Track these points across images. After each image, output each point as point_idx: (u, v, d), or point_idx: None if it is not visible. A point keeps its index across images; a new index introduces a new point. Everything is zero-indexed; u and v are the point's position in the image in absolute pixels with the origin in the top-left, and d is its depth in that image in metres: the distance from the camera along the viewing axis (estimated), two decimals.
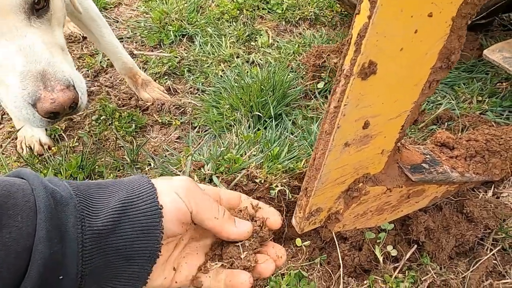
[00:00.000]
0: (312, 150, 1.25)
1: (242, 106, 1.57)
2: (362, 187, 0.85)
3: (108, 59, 1.95)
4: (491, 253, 1.06)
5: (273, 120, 1.53)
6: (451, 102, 1.57)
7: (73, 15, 1.42)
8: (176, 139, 1.62)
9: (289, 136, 1.41)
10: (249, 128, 1.49)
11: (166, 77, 1.94)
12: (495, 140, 1.13)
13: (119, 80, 1.92)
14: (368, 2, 0.53)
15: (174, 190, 0.56)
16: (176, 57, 2.02)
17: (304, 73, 1.83)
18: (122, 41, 2.16)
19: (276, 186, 1.05)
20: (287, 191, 1.05)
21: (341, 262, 1.03)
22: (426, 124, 1.48)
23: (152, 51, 2.12)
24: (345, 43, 0.60)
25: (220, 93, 1.74)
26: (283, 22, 2.32)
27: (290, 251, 1.07)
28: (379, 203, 0.94)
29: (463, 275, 1.02)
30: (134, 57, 2.05)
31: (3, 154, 1.53)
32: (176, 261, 0.62)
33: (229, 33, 2.19)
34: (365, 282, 1.03)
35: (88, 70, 1.96)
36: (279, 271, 1.01)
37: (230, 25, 2.27)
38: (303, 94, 1.76)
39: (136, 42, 2.18)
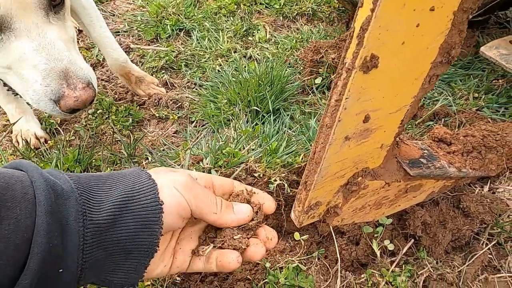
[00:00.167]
0: (311, 145, 1.25)
1: (240, 100, 1.57)
2: (361, 181, 0.85)
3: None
4: (487, 247, 1.07)
5: (271, 115, 1.53)
6: (447, 99, 1.58)
7: None
8: (174, 133, 1.61)
9: (287, 131, 1.41)
10: (247, 123, 1.49)
11: (163, 72, 1.93)
12: (491, 136, 1.14)
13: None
14: None
15: (174, 186, 0.57)
16: (173, 52, 2.01)
17: (301, 68, 1.83)
18: (119, 35, 2.15)
19: (275, 180, 1.05)
20: (286, 185, 1.05)
21: (338, 256, 1.04)
22: (423, 120, 1.48)
23: (149, 45, 2.10)
24: (347, 37, 0.60)
25: (218, 87, 1.73)
26: (281, 17, 2.32)
27: (288, 245, 1.07)
28: (378, 197, 0.94)
29: (459, 269, 1.04)
30: (130, 51, 2.04)
31: None
32: (173, 248, 0.63)
33: (227, 28, 2.18)
34: (362, 276, 1.03)
35: None
36: (277, 265, 1.02)
37: (228, 20, 2.26)
38: (300, 89, 1.76)
39: (132, 36, 2.17)
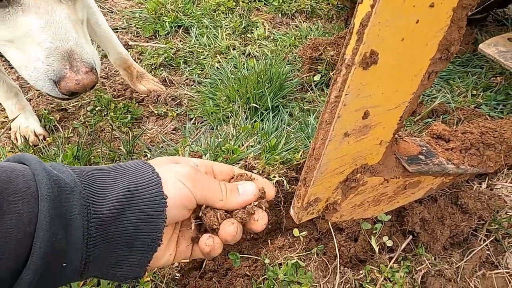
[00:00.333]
0: (310, 142, 1.25)
1: (239, 97, 1.57)
2: (360, 177, 0.86)
3: (103, 50, 1.93)
4: (485, 243, 1.08)
5: (270, 112, 1.54)
6: (446, 96, 1.59)
7: None
8: (172, 130, 1.61)
9: (286, 128, 1.41)
10: (246, 120, 1.49)
11: (161, 69, 1.93)
12: (489, 133, 1.15)
13: (114, 71, 1.91)
14: None
15: (178, 178, 0.57)
16: (172, 49, 2.01)
17: (300, 65, 1.83)
18: (117, 32, 2.14)
19: (274, 176, 1.05)
20: (285, 181, 1.06)
21: (337, 252, 1.04)
22: (422, 117, 1.49)
23: (147, 42, 2.10)
24: (347, 33, 0.60)
25: (217, 84, 1.73)
26: (279, 15, 2.32)
27: (287, 241, 1.07)
28: (376, 194, 0.95)
29: (457, 265, 1.04)
30: (129, 48, 2.04)
31: None
32: (177, 237, 0.64)
33: (225, 25, 2.18)
34: (361, 272, 1.04)
35: None
36: (277, 261, 1.02)
37: (226, 17, 2.25)
38: (299, 86, 1.76)
39: (131, 33, 2.16)
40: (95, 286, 0.91)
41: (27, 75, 0.95)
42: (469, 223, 1.07)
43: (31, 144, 1.47)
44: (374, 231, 1.05)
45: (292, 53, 1.95)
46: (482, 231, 1.10)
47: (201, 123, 1.62)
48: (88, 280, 0.91)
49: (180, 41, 2.10)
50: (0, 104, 1.69)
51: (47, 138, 1.53)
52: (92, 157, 1.40)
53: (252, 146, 1.18)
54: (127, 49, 2.01)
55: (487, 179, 1.21)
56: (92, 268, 0.50)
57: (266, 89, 1.58)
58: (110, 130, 1.56)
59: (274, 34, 2.14)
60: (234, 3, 2.34)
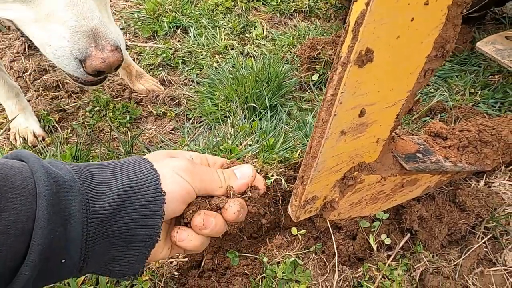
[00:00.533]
0: (308, 140, 1.26)
1: (237, 97, 1.58)
2: (357, 175, 0.86)
3: None
4: (482, 241, 1.08)
5: (268, 111, 1.54)
6: (444, 94, 1.59)
7: None
8: (171, 130, 1.62)
9: (284, 127, 1.41)
10: (244, 119, 1.49)
11: (160, 69, 1.93)
12: (487, 131, 1.15)
13: None
14: None
15: (177, 172, 0.57)
16: (170, 49, 2.01)
17: (298, 65, 1.84)
18: None
19: (272, 175, 1.05)
20: (283, 180, 1.06)
21: (336, 250, 1.04)
22: (420, 115, 1.49)
23: (146, 42, 2.10)
24: (343, 31, 0.61)
25: (215, 84, 1.74)
26: (278, 14, 2.32)
27: (285, 240, 1.08)
28: (374, 192, 0.95)
29: (455, 263, 1.04)
30: (128, 49, 2.04)
31: None
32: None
33: (224, 25, 2.18)
34: (359, 270, 1.04)
35: None
36: (275, 260, 1.02)
37: (225, 17, 2.26)
38: (298, 85, 1.76)
39: (129, 34, 2.17)
40: (94, 285, 0.91)
41: (51, 53, 0.95)
42: (467, 220, 1.08)
43: (30, 145, 1.47)
44: (372, 229, 1.05)
45: (291, 52, 1.96)
46: (480, 228, 1.10)
47: (199, 123, 1.62)
48: (87, 279, 0.91)
49: (179, 41, 2.11)
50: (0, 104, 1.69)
51: (46, 139, 1.53)
52: (91, 158, 1.40)
53: (250, 145, 1.18)
54: (126, 49, 2.02)
55: (484, 176, 1.21)
56: (91, 264, 0.50)
57: (265, 88, 1.58)
58: (109, 130, 1.56)
59: (272, 33, 2.14)
60: (232, 3, 2.34)
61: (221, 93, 1.65)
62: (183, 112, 1.69)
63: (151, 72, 1.90)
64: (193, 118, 1.64)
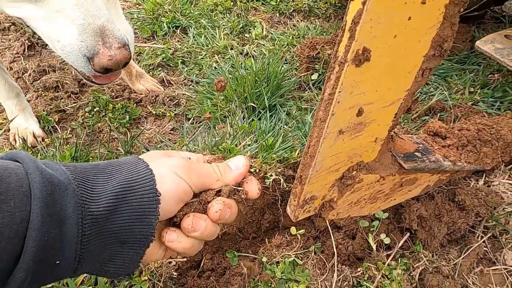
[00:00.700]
0: (307, 140, 1.25)
1: (237, 97, 1.58)
2: (355, 175, 0.86)
3: None
4: (482, 240, 1.08)
5: (268, 111, 1.54)
6: (443, 93, 1.59)
7: None
8: (171, 130, 1.62)
9: (283, 127, 1.41)
10: (243, 119, 1.49)
11: (159, 69, 1.93)
12: (486, 130, 1.15)
13: None
14: None
15: (173, 171, 0.57)
16: (170, 49, 2.01)
17: (298, 64, 1.84)
18: None
19: (271, 175, 1.05)
20: (282, 180, 1.06)
21: (335, 250, 1.04)
22: (419, 114, 1.49)
23: (145, 42, 2.10)
24: (340, 30, 0.60)
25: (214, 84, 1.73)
26: (277, 14, 2.32)
27: (284, 240, 1.08)
28: (373, 191, 0.95)
29: (454, 262, 1.04)
30: None
31: None
32: None
33: (223, 25, 2.18)
34: (358, 269, 1.04)
35: None
36: (274, 259, 1.02)
37: (224, 17, 2.26)
38: (297, 85, 1.76)
39: None
40: (93, 285, 0.91)
41: (59, 48, 0.97)
42: (466, 220, 1.07)
43: (29, 146, 1.47)
44: (371, 229, 1.05)
45: (290, 52, 1.96)
46: (479, 227, 1.10)
47: (199, 123, 1.62)
48: (86, 279, 0.92)
49: (178, 41, 2.11)
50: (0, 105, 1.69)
51: (46, 140, 1.53)
52: (91, 158, 1.40)
53: (249, 145, 1.18)
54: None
55: (484, 176, 1.21)
56: (86, 265, 0.50)
57: (264, 88, 1.58)
58: (109, 130, 1.57)
59: (271, 33, 2.14)
60: (232, 3, 2.34)
61: (220, 93, 1.65)
62: (183, 112, 1.69)
63: (150, 72, 1.90)
64: (192, 118, 1.64)
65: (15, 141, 1.52)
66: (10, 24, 2.11)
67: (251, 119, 1.51)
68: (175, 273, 0.97)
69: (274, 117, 1.52)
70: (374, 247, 1.03)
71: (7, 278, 0.43)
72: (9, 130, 1.57)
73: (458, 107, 1.49)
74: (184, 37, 2.13)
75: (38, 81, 1.79)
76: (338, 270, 1.03)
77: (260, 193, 0.70)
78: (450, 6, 0.63)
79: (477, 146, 1.12)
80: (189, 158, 0.66)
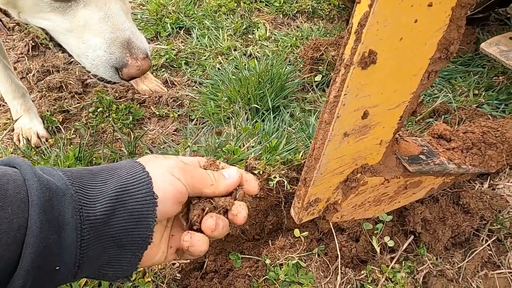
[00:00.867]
0: (311, 142, 1.25)
1: (240, 98, 1.57)
2: (360, 177, 0.85)
3: None
4: (486, 243, 1.07)
5: (271, 113, 1.54)
6: (447, 95, 1.58)
7: None
8: (174, 131, 1.62)
9: (287, 129, 1.41)
10: (247, 120, 1.49)
11: (163, 70, 1.93)
12: (491, 133, 1.14)
13: None
14: None
15: (169, 171, 0.57)
16: (173, 50, 2.01)
17: (301, 66, 1.83)
18: None
19: (275, 177, 1.05)
20: (286, 182, 1.06)
21: (338, 252, 1.04)
22: (423, 117, 1.48)
23: (149, 43, 2.10)
24: (346, 33, 0.60)
25: (218, 85, 1.74)
26: (281, 15, 2.32)
27: (288, 242, 1.07)
28: (377, 194, 0.95)
29: (458, 265, 1.04)
30: None
31: None
32: (168, 236, 0.64)
33: (227, 26, 2.18)
34: (362, 272, 1.04)
35: None
36: (277, 262, 1.02)
37: (228, 18, 2.26)
38: (300, 87, 1.76)
39: None
40: (96, 286, 0.91)
41: (88, 63, 1.03)
42: (470, 223, 1.07)
43: (33, 146, 1.48)
44: (375, 231, 1.05)
45: (293, 53, 1.95)
46: (484, 231, 1.09)
47: (202, 124, 1.62)
48: (90, 281, 0.91)
49: (182, 42, 2.11)
50: (3, 105, 1.70)
51: (49, 140, 1.53)
52: (94, 158, 1.40)
53: (252, 146, 1.18)
54: None
55: (489, 178, 1.20)
56: (85, 269, 0.50)
57: (267, 89, 1.58)
58: (112, 131, 1.57)
59: (275, 34, 2.14)
60: (235, 4, 2.34)
61: (223, 94, 1.65)
62: (186, 113, 1.69)
63: (154, 73, 1.90)
64: (195, 119, 1.64)
65: (19, 141, 1.52)
66: (14, 24, 2.12)
67: (254, 120, 1.51)
68: (178, 275, 0.97)
69: (278, 119, 1.52)
70: (378, 249, 1.03)
71: (6, 285, 0.43)
72: (13, 130, 1.57)
73: (463, 110, 1.49)
74: (187, 38, 2.13)
75: (42, 81, 1.80)
76: (341, 272, 1.03)
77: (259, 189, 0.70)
78: (456, 9, 0.62)
79: (482, 149, 1.11)
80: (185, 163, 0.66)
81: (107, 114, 1.66)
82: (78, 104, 1.71)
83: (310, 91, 1.73)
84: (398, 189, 0.97)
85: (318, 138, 0.73)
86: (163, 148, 1.46)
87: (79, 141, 1.52)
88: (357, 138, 0.75)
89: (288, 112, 1.57)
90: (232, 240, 1.11)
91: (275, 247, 1.06)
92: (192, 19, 2.21)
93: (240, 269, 1.02)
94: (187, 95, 1.77)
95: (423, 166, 0.95)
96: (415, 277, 1.02)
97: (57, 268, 0.47)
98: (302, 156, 1.13)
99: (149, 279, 0.93)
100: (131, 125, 1.62)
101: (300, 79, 1.76)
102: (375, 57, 0.60)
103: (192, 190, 0.60)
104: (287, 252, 1.05)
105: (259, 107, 1.55)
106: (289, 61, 1.90)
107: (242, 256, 1.05)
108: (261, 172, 1.07)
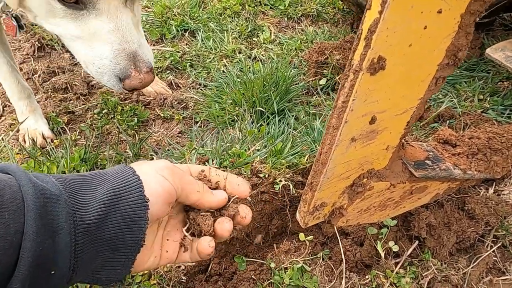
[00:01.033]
0: (316, 146, 1.25)
1: (245, 101, 1.58)
2: (366, 182, 0.86)
3: None
4: (492, 249, 1.07)
5: (276, 116, 1.54)
6: (452, 101, 1.58)
7: None
8: (178, 133, 1.62)
9: (292, 132, 1.41)
10: (252, 124, 1.49)
11: (168, 72, 1.94)
12: (497, 138, 1.14)
13: None
14: None
15: (160, 173, 0.59)
16: (178, 52, 2.02)
17: (306, 69, 1.84)
18: None
19: (280, 181, 1.05)
20: (291, 186, 1.06)
21: (343, 257, 1.04)
22: (428, 122, 1.48)
23: (154, 45, 2.11)
24: (355, 38, 0.61)
25: (223, 88, 1.74)
26: (285, 18, 2.33)
27: (293, 246, 1.07)
28: (383, 198, 0.95)
29: (463, 271, 1.04)
30: None
31: (4, 146, 1.53)
32: (161, 240, 0.66)
33: (231, 29, 2.19)
34: (366, 277, 1.03)
35: None
36: (282, 265, 1.02)
37: (232, 21, 2.27)
38: (305, 90, 1.76)
39: None
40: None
41: (94, 70, 1.05)
42: (475, 228, 1.07)
43: (38, 147, 1.48)
44: (380, 236, 1.04)
45: (298, 57, 1.96)
46: (489, 237, 1.09)
47: (206, 127, 1.62)
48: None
49: (187, 44, 2.12)
50: (9, 106, 1.71)
51: (55, 141, 1.54)
52: (99, 160, 1.41)
53: (258, 150, 1.19)
54: None
55: (494, 184, 1.20)
56: (79, 274, 0.51)
57: (272, 92, 1.58)
58: (117, 132, 1.57)
59: (280, 38, 2.15)
60: (240, 7, 2.35)
61: (228, 97, 1.65)
62: (191, 115, 1.69)
63: (159, 75, 1.90)
64: (200, 121, 1.65)
65: (25, 141, 1.53)
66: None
67: (259, 123, 1.51)
68: (183, 277, 0.98)
69: (283, 122, 1.52)
70: (382, 254, 1.03)
71: None
72: (18, 131, 1.58)
73: (467, 115, 1.49)
74: (192, 40, 2.14)
75: (48, 82, 1.81)
76: (346, 277, 1.03)
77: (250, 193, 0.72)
78: (466, 16, 0.63)
79: (487, 155, 1.11)
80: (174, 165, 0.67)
81: (112, 116, 1.66)
82: (83, 105, 1.71)
83: (314, 95, 1.73)
84: (403, 194, 0.98)
85: (326, 142, 0.73)
86: (168, 150, 1.46)
87: (84, 143, 1.53)
88: (364, 143, 0.75)
89: (293, 116, 1.57)
90: (236, 243, 1.11)
91: (280, 251, 1.06)
92: (197, 22, 2.22)
93: (244, 272, 1.02)
94: (191, 97, 1.78)
95: (429, 171, 0.95)
96: (419, 283, 1.02)
97: (53, 272, 0.48)
98: (307, 160, 1.13)
99: (155, 282, 0.93)
100: (136, 127, 1.63)
101: (304, 82, 1.76)
102: (384, 63, 0.61)
103: (180, 193, 0.61)
104: (292, 256, 1.05)
105: (264, 110, 1.55)
106: (294, 65, 1.90)
107: (246, 259, 1.05)
108: (266, 176, 1.07)
